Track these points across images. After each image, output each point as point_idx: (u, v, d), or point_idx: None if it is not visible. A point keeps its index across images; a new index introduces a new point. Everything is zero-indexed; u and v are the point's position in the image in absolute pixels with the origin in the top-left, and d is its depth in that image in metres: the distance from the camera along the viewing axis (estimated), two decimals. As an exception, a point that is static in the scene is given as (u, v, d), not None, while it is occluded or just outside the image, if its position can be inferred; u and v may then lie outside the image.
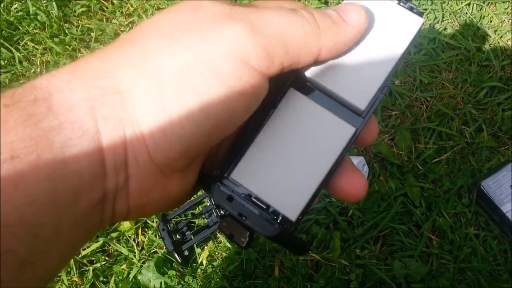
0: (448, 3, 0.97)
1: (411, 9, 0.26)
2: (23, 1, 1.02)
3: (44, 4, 1.01)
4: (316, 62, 0.25)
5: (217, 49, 0.21)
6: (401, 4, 0.26)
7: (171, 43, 0.22)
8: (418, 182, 0.85)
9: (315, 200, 0.25)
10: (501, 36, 0.95)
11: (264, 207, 0.25)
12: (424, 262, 0.79)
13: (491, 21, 0.96)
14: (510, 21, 0.97)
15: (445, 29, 0.95)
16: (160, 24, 0.23)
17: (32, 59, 0.97)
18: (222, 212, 0.82)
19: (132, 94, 0.21)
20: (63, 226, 0.20)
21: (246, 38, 0.22)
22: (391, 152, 0.87)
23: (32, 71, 0.95)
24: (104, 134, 0.21)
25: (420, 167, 0.86)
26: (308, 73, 0.25)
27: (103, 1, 1.02)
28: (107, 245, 0.84)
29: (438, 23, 0.96)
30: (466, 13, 0.96)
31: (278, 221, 0.24)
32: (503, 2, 0.97)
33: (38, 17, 0.99)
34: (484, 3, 0.97)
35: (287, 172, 0.25)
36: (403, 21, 0.26)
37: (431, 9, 0.96)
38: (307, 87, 0.26)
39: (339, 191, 0.27)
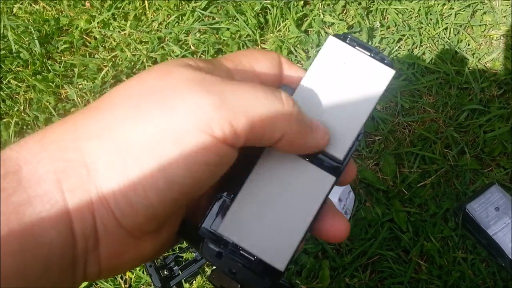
0: (426, 28, 0.99)
1: (382, 60, 0.27)
2: (5, 40, 1.02)
3: (27, 42, 1.01)
4: (272, 146, 0.25)
5: (181, 120, 0.22)
6: (372, 56, 0.27)
7: (136, 114, 0.22)
8: (404, 207, 0.85)
9: (300, 246, 0.26)
10: (479, 59, 0.96)
11: (253, 259, 0.25)
12: (414, 288, 0.79)
13: (468, 44, 0.98)
14: (487, 43, 0.99)
15: (423, 54, 0.97)
16: (128, 93, 0.23)
17: (16, 97, 0.97)
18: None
19: (96, 167, 0.22)
20: None
21: (211, 111, 0.22)
22: (376, 178, 0.87)
23: (15, 109, 0.95)
24: (72, 205, 0.21)
25: (405, 192, 0.86)
26: None
27: (85, 37, 1.03)
28: (94, 284, 0.82)
29: (416, 48, 0.97)
30: (444, 37, 0.98)
31: (268, 273, 0.25)
32: (479, 25, 0.99)
33: (21, 54, 1.00)
34: (461, 27, 0.99)
35: (273, 223, 0.25)
36: (376, 73, 0.27)
37: (409, 34, 0.98)
38: None
39: (323, 233, 0.28)
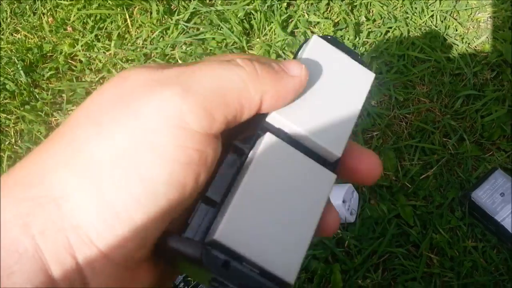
0: (412, 18, 0.98)
1: (362, 63, 0.26)
2: (-10, 72, 1.00)
3: (12, 72, 0.99)
4: (260, 112, 0.23)
5: (150, 122, 0.20)
6: (354, 59, 0.26)
7: (99, 129, 0.20)
8: (409, 200, 0.85)
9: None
10: (469, 44, 0.96)
11: (259, 271, 0.22)
12: (427, 283, 0.78)
13: (456, 30, 0.98)
14: (475, 27, 0.98)
15: (412, 44, 0.96)
16: (88, 109, 0.21)
17: (6, 130, 0.96)
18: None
19: (69, 199, 0.20)
20: None
21: (178, 101, 0.20)
22: (378, 175, 0.86)
23: (7, 143, 0.94)
24: (46, 250, 0.19)
25: (409, 185, 0.85)
26: (278, 119, 0.24)
27: (70, 61, 1.01)
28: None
29: (404, 39, 0.96)
30: (431, 25, 0.97)
31: (277, 285, 0.22)
32: (465, 10, 0.98)
33: (7, 86, 0.98)
34: (447, 13, 0.98)
35: (276, 228, 0.22)
36: (359, 75, 0.26)
37: (396, 26, 0.97)
38: (279, 132, 0.24)
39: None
